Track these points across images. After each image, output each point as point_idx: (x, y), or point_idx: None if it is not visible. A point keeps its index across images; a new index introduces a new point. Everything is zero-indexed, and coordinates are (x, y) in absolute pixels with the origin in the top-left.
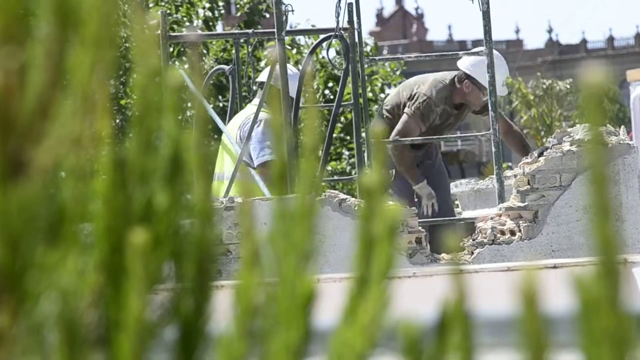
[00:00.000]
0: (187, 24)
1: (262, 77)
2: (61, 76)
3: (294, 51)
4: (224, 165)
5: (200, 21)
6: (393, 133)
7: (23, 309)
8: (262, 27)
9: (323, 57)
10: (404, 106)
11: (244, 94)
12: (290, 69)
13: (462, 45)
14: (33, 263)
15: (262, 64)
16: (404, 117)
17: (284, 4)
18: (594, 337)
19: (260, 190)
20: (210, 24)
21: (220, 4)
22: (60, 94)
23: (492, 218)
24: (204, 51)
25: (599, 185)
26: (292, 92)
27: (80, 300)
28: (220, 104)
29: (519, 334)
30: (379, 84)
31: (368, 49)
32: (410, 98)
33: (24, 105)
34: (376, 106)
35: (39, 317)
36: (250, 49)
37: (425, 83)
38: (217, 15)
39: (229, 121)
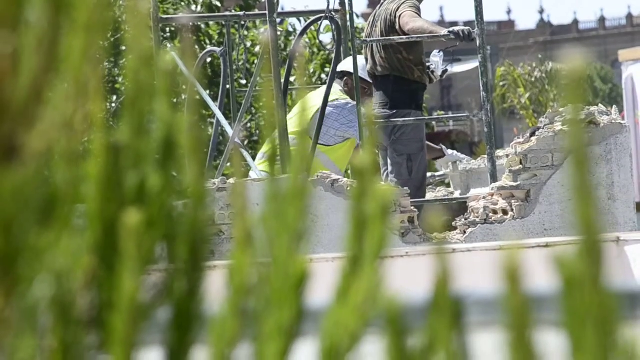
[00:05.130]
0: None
1: (344, 66)
2: (54, 60)
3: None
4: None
5: (199, 7)
6: (405, 29)
7: (17, 291)
8: (258, 10)
9: (321, 42)
10: (397, 18)
11: (236, 75)
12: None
13: (454, 26)
14: (26, 245)
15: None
16: (405, 13)
17: None
18: (575, 316)
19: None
20: (214, 7)
21: None
22: (53, 78)
23: (484, 197)
24: (206, 38)
25: (579, 166)
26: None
27: (73, 282)
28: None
29: (503, 312)
30: None
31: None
32: (398, 9)
33: (17, 90)
34: None
35: (32, 299)
36: (242, 32)
37: None
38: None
39: (220, 104)
